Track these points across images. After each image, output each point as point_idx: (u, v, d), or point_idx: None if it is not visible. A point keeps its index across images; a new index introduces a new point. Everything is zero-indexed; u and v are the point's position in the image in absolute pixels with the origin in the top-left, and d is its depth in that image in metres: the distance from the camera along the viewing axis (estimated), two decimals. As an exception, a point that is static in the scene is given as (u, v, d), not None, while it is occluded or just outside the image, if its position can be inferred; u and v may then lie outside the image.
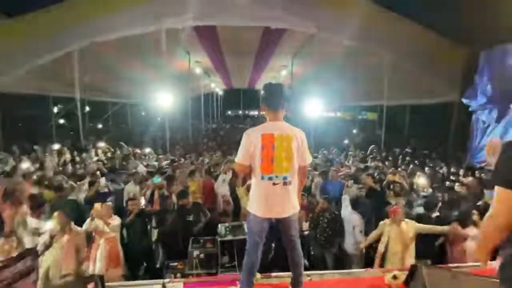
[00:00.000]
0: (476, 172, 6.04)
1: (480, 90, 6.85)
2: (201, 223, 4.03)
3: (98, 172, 5.30)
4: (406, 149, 9.21)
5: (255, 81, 21.25)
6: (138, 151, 8.35)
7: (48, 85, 10.55)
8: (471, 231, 3.36)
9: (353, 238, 3.88)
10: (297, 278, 2.02)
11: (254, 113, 39.57)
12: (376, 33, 8.69)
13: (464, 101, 7.49)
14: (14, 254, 2.52)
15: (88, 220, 3.26)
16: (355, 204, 4.22)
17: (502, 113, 6.38)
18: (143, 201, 3.84)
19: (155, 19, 8.05)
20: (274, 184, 1.86)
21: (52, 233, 2.71)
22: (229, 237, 3.55)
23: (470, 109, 7.36)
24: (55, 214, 2.98)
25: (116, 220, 3.39)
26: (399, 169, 6.13)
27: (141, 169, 5.88)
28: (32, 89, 10.41)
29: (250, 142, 1.88)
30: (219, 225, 3.82)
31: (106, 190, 4.50)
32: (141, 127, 16.51)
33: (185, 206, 4.10)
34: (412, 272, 1.92)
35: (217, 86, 24.55)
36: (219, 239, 3.54)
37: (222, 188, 5.19)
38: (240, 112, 41.95)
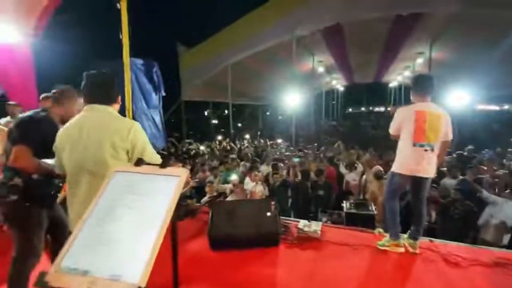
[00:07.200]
0: None
1: None
2: (330, 199, 4.84)
3: (249, 155, 7.23)
4: None
5: (382, 74, 19.63)
6: (271, 142, 10.25)
7: (210, 93, 14.31)
8: None
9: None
10: (417, 229, 2.44)
11: (380, 109, 34.13)
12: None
13: None
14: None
15: (252, 184, 4.78)
16: None
17: None
18: (284, 174, 5.08)
19: (289, 30, 9.33)
20: (424, 150, 2.31)
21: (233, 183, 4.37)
22: (353, 211, 4.15)
23: None
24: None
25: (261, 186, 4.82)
26: None
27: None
28: (200, 97, 14.54)
29: (402, 117, 2.40)
30: (344, 201, 4.46)
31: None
32: (269, 125, 19.23)
33: (317, 182, 5.05)
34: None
35: (338, 83, 24.28)
36: (344, 211, 4.22)
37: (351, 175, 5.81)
38: (363, 108, 38.38)
